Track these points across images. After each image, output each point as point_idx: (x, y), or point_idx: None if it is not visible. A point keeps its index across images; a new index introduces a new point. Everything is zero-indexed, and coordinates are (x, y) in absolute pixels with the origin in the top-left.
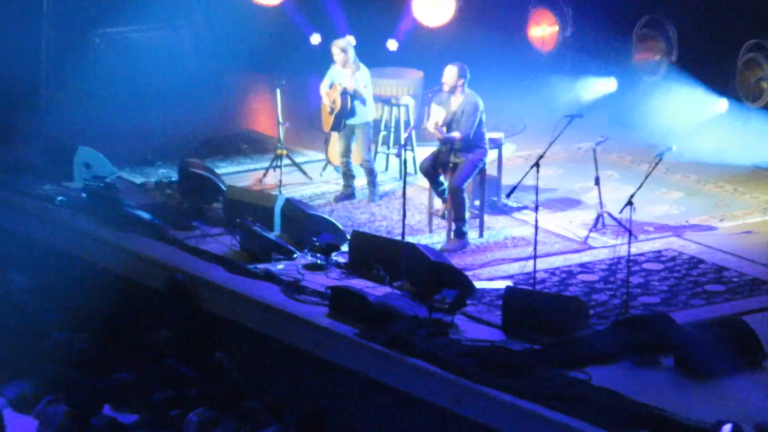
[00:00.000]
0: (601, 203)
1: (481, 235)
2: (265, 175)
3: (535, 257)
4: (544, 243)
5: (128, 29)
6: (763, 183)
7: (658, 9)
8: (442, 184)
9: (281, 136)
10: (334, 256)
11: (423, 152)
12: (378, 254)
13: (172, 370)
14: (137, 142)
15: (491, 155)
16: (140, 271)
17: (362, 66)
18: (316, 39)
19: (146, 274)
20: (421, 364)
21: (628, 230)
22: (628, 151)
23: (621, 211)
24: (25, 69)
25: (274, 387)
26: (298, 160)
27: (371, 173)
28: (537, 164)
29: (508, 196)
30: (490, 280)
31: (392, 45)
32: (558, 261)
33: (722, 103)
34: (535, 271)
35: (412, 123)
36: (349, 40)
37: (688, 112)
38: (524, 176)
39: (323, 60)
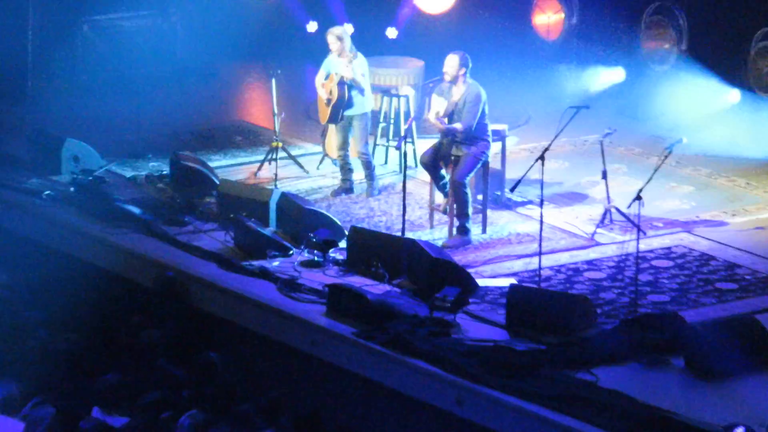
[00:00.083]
0: (608, 198)
1: (484, 230)
2: (259, 168)
3: (540, 254)
4: (550, 239)
5: (117, 16)
6: None
7: None
8: (443, 177)
9: (277, 128)
10: (332, 253)
11: (424, 145)
12: (377, 251)
13: (164, 371)
14: (127, 134)
15: (494, 148)
16: (130, 268)
17: (359, 54)
18: (312, 26)
19: (136, 271)
20: (422, 364)
21: (637, 226)
22: (637, 143)
23: (629, 206)
24: (10, 58)
25: (270, 389)
26: (294, 152)
27: (369, 166)
28: (542, 157)
29: (512, 190)
30: (493, 278)
31: (392, 33)
32: (564, 258)
33: (734, 94)
34: (540, 269)
35: (412, 114)
36: (346, 29)
37: (699, 103)
38: (529, 170)
39: (320, 48)
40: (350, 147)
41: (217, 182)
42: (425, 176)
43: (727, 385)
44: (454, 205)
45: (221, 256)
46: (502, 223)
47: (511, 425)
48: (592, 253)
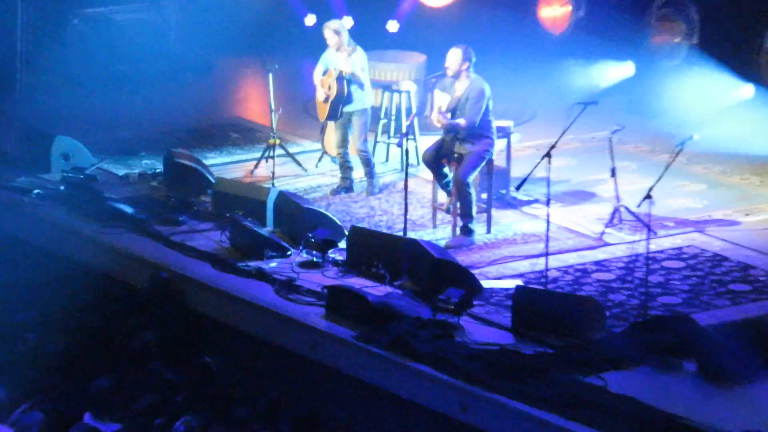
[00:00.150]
0: (617, 196)
1: (488, 230)
2: (256, 166)
3: (546, 254)
4: (557, 239)
5: (109, 9)
6: None
7: None
8: (446, 175)
9: (274, 125)
10: (331, 253)
11: (426, 142)
12: (378, 251)
13: (157, 375)
14: (120, 131)
15: (499, 145)
16: (123, 269)
17: (358, 48)
18: (311, 20)
19: (129, 272)
20: (425, 368)
21: (647, 225)
22: (646, 140)
23: (639, 205)
24: None
25: (267, 393)
26: (292, 150)
27: (368, 164)
28: (548, 155)
29: (517, 188)
30: (498, 279)
31: (393, 26)
32: (571, 258)
33: (747, 89)
34: (546, 269)
35: (414, 110)
36: (343, 22)
37: (711, 99)
38: (535, 167)
39: (319, 42)
40: (351, 145)
41: (213, 180)
42: (427, 174)
43: (740, 391)
44: (458, 204)
45: (217, 256)
46: (508, 222)
47: (517, 431)
48: (600, 254)
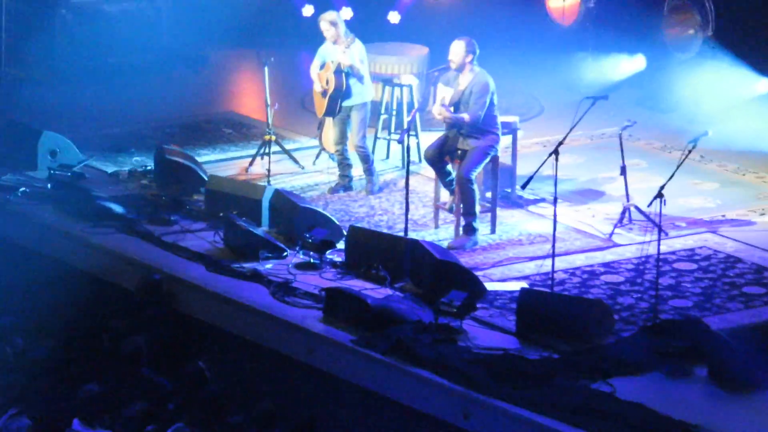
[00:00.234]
0: (627, 195)
1: (493, 230)
2: (251, 163)
3: (553, 255)
4: (564, 240)
5: (98, 0)
6: None
7: None
8: (449, 173)
9: (270, 120)
10: (329, 254)
11: (428, 138)
12: (378, 252)
13: (148, 381)
14: (109, 127)
15: (504, 141)
16: (112, 270)
17: (356, 39)
18: (308, 10)
19: (119, 273)
20: (426, 374)
21: (658, 226)
22: (658, 136)
23: (650, 205)
24: None
25: (262, 399)
26: (288, 146)
27: (367, 160)
28: (556, 152)
29: (523, 187)
30: (502, 281)
31: (394, 17)
32: (579, 260)
33: (763, 83)
34: (553, 271)
35: (416, 105)
36: (339, 13)
37: (726, 93)
38: (541, 165)
39: (316, 34)
40: (350, 141)
41: (206, 178)
42: (430, 172)
43: (753, 397)
44: (461, 203)
45: (210, 257)
46: (513, 222)
47: None
48: (609, 255)
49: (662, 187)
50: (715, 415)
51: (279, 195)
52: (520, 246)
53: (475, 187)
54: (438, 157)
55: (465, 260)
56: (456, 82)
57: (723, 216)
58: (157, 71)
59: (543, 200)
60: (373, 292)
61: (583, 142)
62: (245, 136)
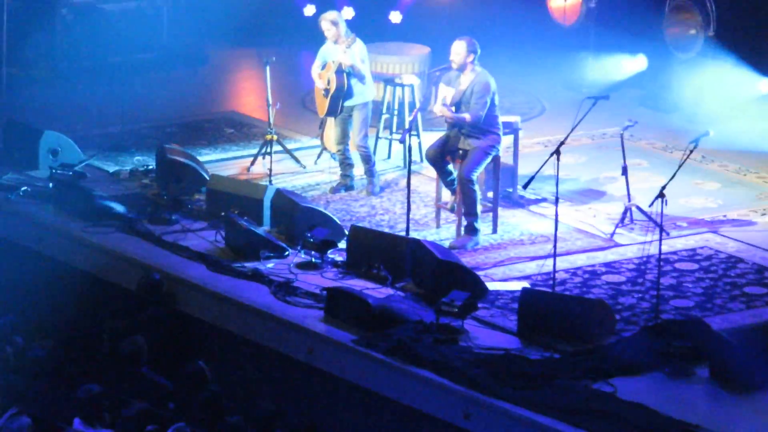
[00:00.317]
0: (628, 195)
1: (494, 230)
2: (252, 163)
3: (555, 255)
4: (565, 240)
5: None
6: None
7: None
8: (450, 173)
9: (271, 120)
10: (330, 254)
11: (430, 138)
12: (379, 252)
13: (149, 381)
14: (110, 126)
15: (506, 141)
16: (113, 270)
17: (357, 39)
18: (310, 10)
19: (119, 273)
20: (427, 374)
21: (659, 226)
22: (660, 136)
23: (651, 204)
24: None
25: (263, 400)
26: (289, 146)
27: (368, 160)
28: (557, 151)
29: (524, 187)
30: (504, 281)
31: (395, 17)
32: (580, 260)
33: (765, 83)
34: (554, 271)
35: (417, 105)
36: (340, 13)
37: (727, 93)
38: (543, 165)
39: (318, 34)
40: (351, 141)
41: (207, 178)
42: (431, 172)
43: (755, 398)
44: (462, 203)
45: (211, 257)
46: (514, 222)
47: None
48: (610, 255)
49: (664, 187)
50: (716, 416)
51: (280, 194)
52: (522, 246)
53: (476, 187)
54: (439, 157)
55: (466, 260)
56: (457, 82)
57: (724, 216)
58: (158, 71)
59: (544, 200)
60: (375, 291)
61: (585, 142)
62: (246, 136)
